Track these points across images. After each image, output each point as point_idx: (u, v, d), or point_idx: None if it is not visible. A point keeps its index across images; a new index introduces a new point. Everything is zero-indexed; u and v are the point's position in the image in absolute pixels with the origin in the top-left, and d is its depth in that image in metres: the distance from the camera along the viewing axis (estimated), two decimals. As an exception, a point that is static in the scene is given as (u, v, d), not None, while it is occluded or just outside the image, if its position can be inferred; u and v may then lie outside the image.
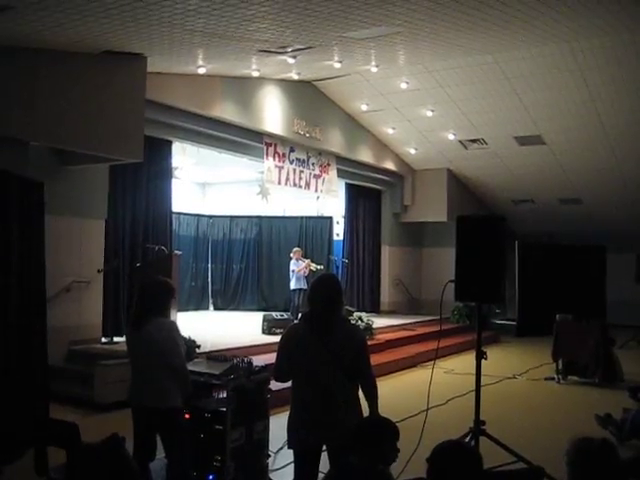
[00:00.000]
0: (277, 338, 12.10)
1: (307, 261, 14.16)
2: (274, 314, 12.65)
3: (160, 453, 4.80)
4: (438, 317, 16.01)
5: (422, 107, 13.88)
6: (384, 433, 3.57)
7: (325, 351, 4.00)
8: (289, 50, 9.28)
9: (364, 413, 4.15)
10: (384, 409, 4.26)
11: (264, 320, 12.18)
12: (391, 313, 17.07)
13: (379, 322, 13.96)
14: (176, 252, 10.14)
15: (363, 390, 4.16)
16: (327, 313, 4.09)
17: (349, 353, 4.06)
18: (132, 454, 4.64)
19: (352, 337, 4.17)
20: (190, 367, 4.87)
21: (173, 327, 4.60)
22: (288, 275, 14.30)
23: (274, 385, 5.41)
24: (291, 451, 4.31)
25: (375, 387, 4.18)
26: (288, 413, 4.28)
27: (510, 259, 6.86)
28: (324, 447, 4.16)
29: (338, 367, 4.01)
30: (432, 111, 13.89)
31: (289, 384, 4.32)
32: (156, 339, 4.44)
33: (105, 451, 2.42)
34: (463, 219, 5.94)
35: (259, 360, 8.57)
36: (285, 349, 4.18)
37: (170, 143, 11.37)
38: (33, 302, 6.41)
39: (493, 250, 5.71)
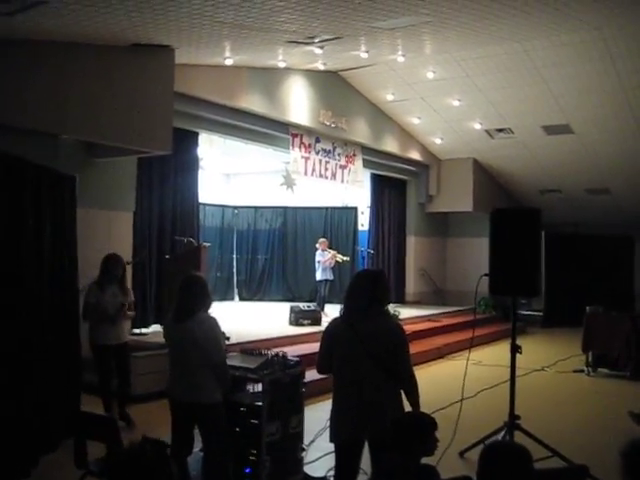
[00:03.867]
0: (304, 329, 12.17)
1: (333, 252, 14.12)
2: (301, 305, 12.63)
3: (197, 446, 4.83)
4: (464, 308, 16.17)
5: (448, 97, 13.76)
6: (422, 428, 3.56)
7: (358, 343, 4.01)
8: (317, 41, 9.23)
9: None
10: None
11: (291, 311, 12.17)
12: (416, 304, 17.01)
13: (405, 313, 13.91)
14: (205, 244, 10.15)
15: (401, 386, 4.14)
16: (361, 305, 4.12)
17: (384, 347, 4.05)
18: (170, 447, 4.68)
19: (388, 331, 4.16)
20: (225, 361, 4.88)
21: (214, 323, 4.61)
22: (313, 265, 14.27)
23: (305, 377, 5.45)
24: (324, 444, 4.33)
25: (413, 383, 4.17)
26: (320, 405, 4.31)
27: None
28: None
29: (373, 360, 4.01)
30: (459, 100, 13.77)
31: (321, 376, 4.40)
32: (197, 335, 4.46)
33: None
34: (498, 212, 5.87)
35: (289, 351, 8.59)
36: (325, 341, 4.26)
37: (196, 134, 11.39)
38: (66, 296, 6.46)
39: (528, 243, 5.64)
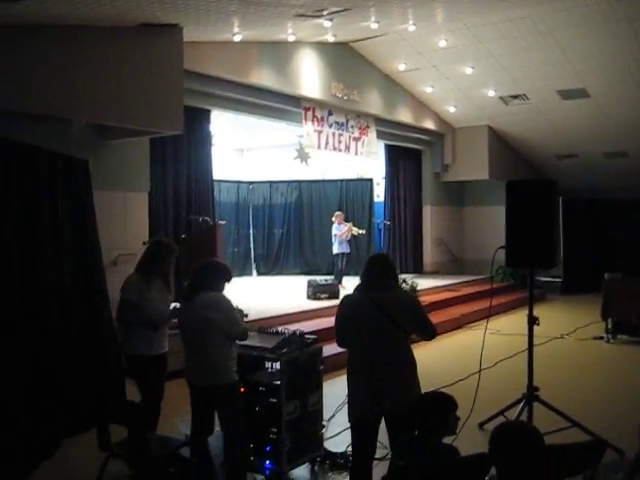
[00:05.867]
0: (322, 303, 12.21)
1: (349, 225, 14.10)
2: (318, 279, 12.65)
3: (218, 426, 4.88)
4: (481, 277, 16.09)
5: (461, 64, 13.57)
6: (443, 408, 3.58)
7: (375, 308, 4.12)
8: (325, 13, 9.12)
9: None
10: (433, 372, 4.32)
11: (309, 286, 12.18)
12: (434, 274, 17.00)
13: (423, 283, 13.82)
14: (220, 222, 10.16)
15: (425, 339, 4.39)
16: (380, 278, 4.29)
17: (400, 311, 4.18)
18: (191, 429, 4.75)
19: (402, 297, 4.38)
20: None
21: (224, 299, 4.64)
22: (330, 238, 14.29)
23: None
24: (344, 419, 4.43)
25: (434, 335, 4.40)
26: (339, 380, 4.39)
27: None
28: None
29: (393, 327, 4.11)
30: (472, 68, 13.58)
31: (339, 350, 4.53)
32: (210, 315, 4.47)
33: None
34: (513, 183, 5.79)
35: (307, 326, 8.64)
36: (340, 316, 4.37)
37: (208, 112, 11.36)
38: (92, 284, 6.45)
39: (545, 215, 5.57)
